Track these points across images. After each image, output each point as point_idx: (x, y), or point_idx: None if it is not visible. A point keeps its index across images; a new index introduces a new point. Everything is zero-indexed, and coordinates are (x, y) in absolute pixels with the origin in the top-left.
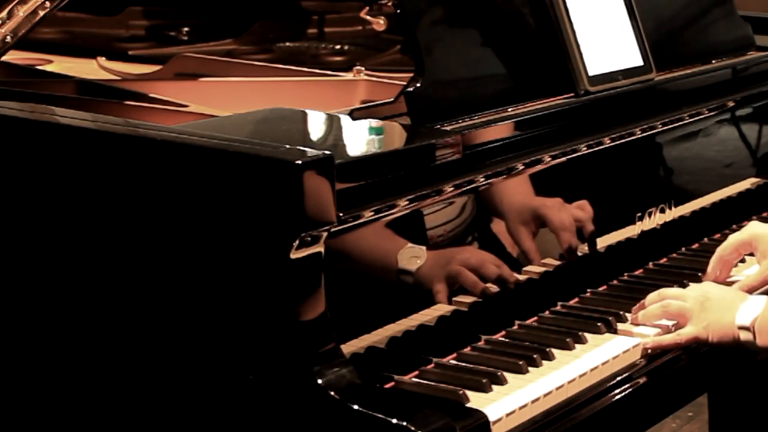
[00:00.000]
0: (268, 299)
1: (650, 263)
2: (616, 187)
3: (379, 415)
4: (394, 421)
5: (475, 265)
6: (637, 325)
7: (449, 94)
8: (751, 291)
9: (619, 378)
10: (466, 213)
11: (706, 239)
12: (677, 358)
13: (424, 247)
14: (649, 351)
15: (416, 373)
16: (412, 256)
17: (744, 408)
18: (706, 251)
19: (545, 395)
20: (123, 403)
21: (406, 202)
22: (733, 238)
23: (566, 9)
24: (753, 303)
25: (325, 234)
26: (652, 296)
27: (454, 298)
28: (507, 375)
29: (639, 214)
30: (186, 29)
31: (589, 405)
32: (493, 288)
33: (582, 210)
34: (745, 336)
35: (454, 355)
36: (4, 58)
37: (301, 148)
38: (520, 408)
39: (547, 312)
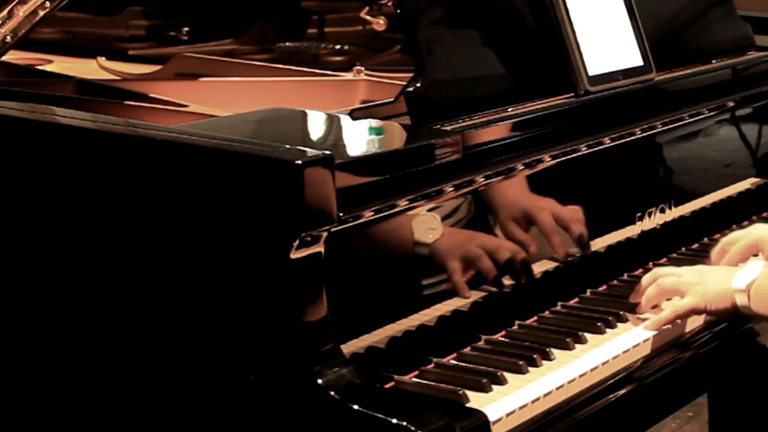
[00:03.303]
0: (269, 299)
1: (650, 263)
2: (616, 187)
3: (379, 415)
4: (394, 421)
5: (477, 256)
6: (642, 313)
7: (449, 94)
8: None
9: (619, 378)
10: (465, 213)
11: (706, 239)
12: (677, 358)
13: (438, 218)
14: (648, 335)
15: (416, 373)
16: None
17: (744, 408)
18: (706, 251)
19: (545, 395)
20: (124, 403)
21: (406, 202)
22: (741, 244)
23: (566, 9)
24: (751, 267)
25: (325, 234)
26: (646, 277)
27: (453, 299)
28: (507, 375)
29: (639, 214)
30: (186, 29)
31: (589, 405)
32: (493, 282)
33: (580, 209)
34: (741, 299)
35: (454, 355)
36: (4, 58)
37: (301, 148)
38: (520, 408)
39: (547, 312)
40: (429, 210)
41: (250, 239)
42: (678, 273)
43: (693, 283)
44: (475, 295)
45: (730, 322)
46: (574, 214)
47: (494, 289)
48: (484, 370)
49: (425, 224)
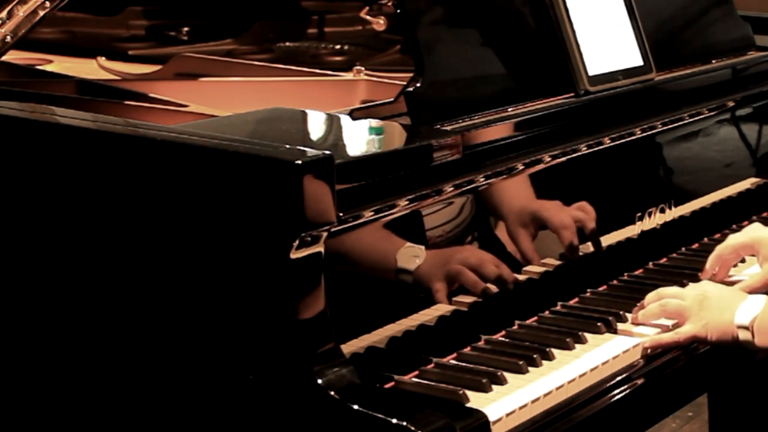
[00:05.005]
0: (268, 299)
1: (650, 263)
2: (616, 187)
3: (379, 415)
4: (394, 421)
5: (475, 264)
6: (637, 324)
7: (449, 94)
8: (751, 292)
9: (619, 378)
10: (465, 213)
11: (706, 239)
12: (677, 358)
13: (422, 247)
14: (648, 350)
15: (416, 373)
16: (411, 256)
17: (744, 408)
18: (706, 251)
19: (545, 395)
20: (124, 403)
21: (406, 202)
22: (734, 240)
23: (566, 9)
24: (752, 302)
25: (325, 234)
26: (650, 296)
27: (454, 298)
28: (507, 375)
29: (639, 214)
30: (186, 29)
31: (589, 405)
32: (493, 287)
33: (582, 210)
34: (744, 335)
35: (454, 355)
36: (4, 58)
37: (301, 148)
38: (520, 408)
39: (547, 312)
40: (428, 211)
41: (250, 239)
42: (682, 296)
43: (695, 310)
44: (475, 296)
45: None
46: (574, 214)
47: (494, 290)
48: (484, 370)
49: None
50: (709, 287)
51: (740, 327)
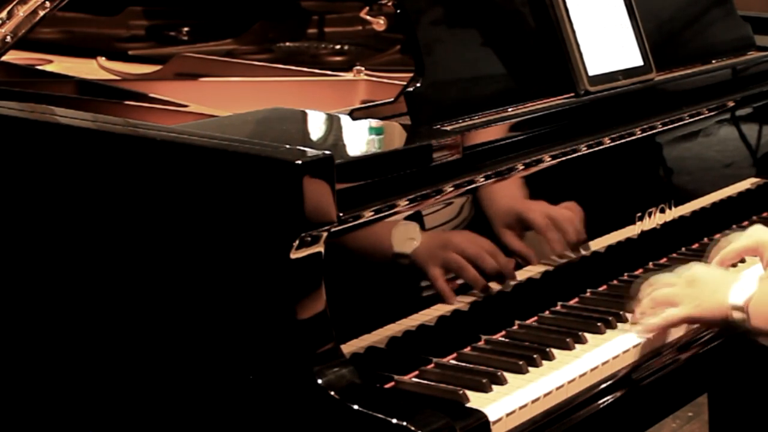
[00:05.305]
0: (268, 299)
1: (650, 263)
2: (616, 187)
3: (379, 415)
4: (394, 421)
5: (475, 256)
6: (635, 322)
7: (449, 94)
8: None
9: (619, 378)
10: (465, 213)
11: (706, 239)
12: (677, 358)
13: (417, 226)
14: (643, 339)
15: (416, 373)
16: (408, 238)
17: (744, 408)
18: (706, 251)
19: (545, 395)
20: (123, 403)
21: (406, 202)
22: (738, 243)
23: (566, 9)
24: (746, 282)
25: (325, 234)
26: (643, 287)
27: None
28: (507, 375)
29: (639, 214)
30: (186, 29)
31: (589, 405)
32: (494, 285)
33: (581, 210)
34: (738, 315)
35: (454, 355)
36: (4, 58)
37: (301, 148)
38: (520, 408)
39: (547, 312)
40: (428, 211)
41: (251, 239)
42: (673, 282)
43: (687, 293)
44: (475, 295)
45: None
46: (574, 214)
47: (495, 289)
48: (484, 370)
49: (407, 234)
50: (700, 269)
51: (734, 307)
